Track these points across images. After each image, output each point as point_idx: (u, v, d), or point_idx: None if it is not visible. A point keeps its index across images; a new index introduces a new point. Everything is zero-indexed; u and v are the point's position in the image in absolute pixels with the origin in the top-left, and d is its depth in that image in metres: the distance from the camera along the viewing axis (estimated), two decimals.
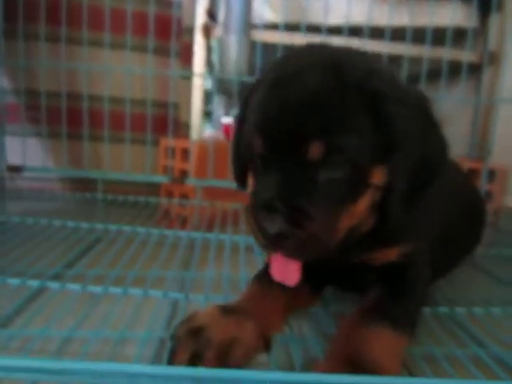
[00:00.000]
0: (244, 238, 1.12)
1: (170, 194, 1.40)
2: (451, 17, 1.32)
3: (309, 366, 0.58)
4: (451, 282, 0.94)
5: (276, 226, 0.47)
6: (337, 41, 1.40)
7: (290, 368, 0.60)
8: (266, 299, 0.60)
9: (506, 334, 0.72)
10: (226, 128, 1.82)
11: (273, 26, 1.36)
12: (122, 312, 0.72)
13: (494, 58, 1.53)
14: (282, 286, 0.59)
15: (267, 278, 0.61)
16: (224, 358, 0.49)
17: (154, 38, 1.39)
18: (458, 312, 0.79)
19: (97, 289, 0.78)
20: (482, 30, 1.56)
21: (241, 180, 0.66)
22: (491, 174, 1.43)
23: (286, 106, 0.49)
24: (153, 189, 1.48)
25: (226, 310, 0.56)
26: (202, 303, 0.75)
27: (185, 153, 1.34)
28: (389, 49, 1.28)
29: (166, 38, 1.49)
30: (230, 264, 0.95)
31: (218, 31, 1.44)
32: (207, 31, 1.41)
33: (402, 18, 1.35)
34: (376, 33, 1.32)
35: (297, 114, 0.49)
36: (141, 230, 1.14)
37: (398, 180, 0.51)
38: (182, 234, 1.14)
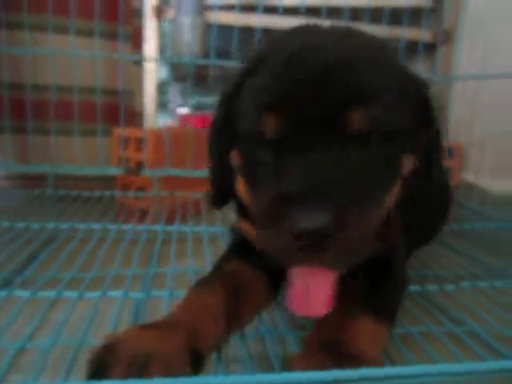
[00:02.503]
0: (206, 228, 1.07)
1: (125, 187, 1.33)
2: None
3: (285, 357, 0.55)
4: (420, 259, 0.94)
5: (322, 222, 0.36)
6: (293, 21, 1.37)
7: (267, 362, 0.56)
8: (199, 304, 0.51)
9: (479, 309, 0.71)
10: (184, 119, 1.75)
11: (228, 7, 1.30)
12: (80, 317, 0.66)
13: (449, 36, 1.55)
14: (224, 285, 0.54)
15: (211, 278, 0.57)
16: (137, 375, 0.39)
17: (101, 21, 1.30)
18: (430, 289, 0.79)
19: (49, 293, 0.71)
20: (437, 9, 1.57)
21: (222, 195, 0.59)
22: (449, 151, 1.46)
23: (313, 73, 0.41)
24: (106, 182, 1.40)
25: (149, 325, 0.47)
26: (166, 300, 0.70)
27: (139, 142, 1.27)
28: None
29: (113, 20, 1.40)
30: (193, 257, 0.90)
31: (170, 13, 1.36)
32: (159, 13, 1.33)
33: None
34: (333, 13, 1.29)
35: (327, 80, 0.41)
36: (96, 226, 1.07)
37: (433, 170, 0.48)
38: (141, 227, 1.08)
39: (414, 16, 1.37)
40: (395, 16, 1.30)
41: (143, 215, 1.25)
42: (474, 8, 1.40)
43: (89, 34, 1.40)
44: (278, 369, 0.52)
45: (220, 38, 1.18)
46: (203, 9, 1.26)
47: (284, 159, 0.42)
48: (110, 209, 1.29)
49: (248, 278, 0.58)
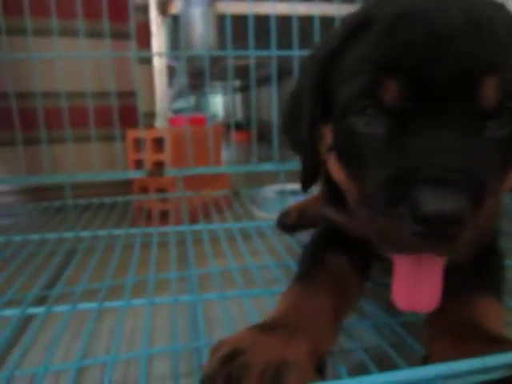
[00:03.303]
0: (235, 224, 1.03)
1: (144, 190, 1.27)
2: None
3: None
4: None
5: (456, 206, 0.32)
6: (308, 8, 1.33)
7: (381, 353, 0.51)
8: (314, 305, 0.48)
9: None
10: (175, 121, 1.70)
11: None
12: (132, 327, 0.61)
13: None
14: (330, 283, 0.51)
15: (314, 275, 0.53)
16: None
17: (107, 21, 1.25)
18: None
19: (91, 305, 0.65)
20: None
21: (312, 175, 0.54)
22: None
23: (437, 40, 0.36)
24: (118, 188, 1.34)
25: (266, 327, 0.43)
26: (219, 301, 0.65)
27: (157, 143, 1.22)
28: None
29: (119, 19, 1.35)
30: (232, 255, 0.85)
31: (175, 7, 1.31)
32: (164, 7, 1.28)
33: None
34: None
35: (456, 46, 0.36)
36: (118, 232, 1.01)
37: None
38: (168, 229, 1.02)
39: None
40: None
41: (164, 217, 1.20)
42: None
43: (94, 35, 1.35)
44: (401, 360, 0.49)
45: (234, 29, 1.13)
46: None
47: (405, 133, 0.37)
48: (127, 214, 1.23)
49: (346, 274, 0.55)
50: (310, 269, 0.54)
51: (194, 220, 1.12)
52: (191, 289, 0.71)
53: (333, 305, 0.49)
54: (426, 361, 0.41)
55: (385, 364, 0.50)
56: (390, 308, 0.63)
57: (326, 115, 0.46)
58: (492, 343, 0.38)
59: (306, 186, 0.55)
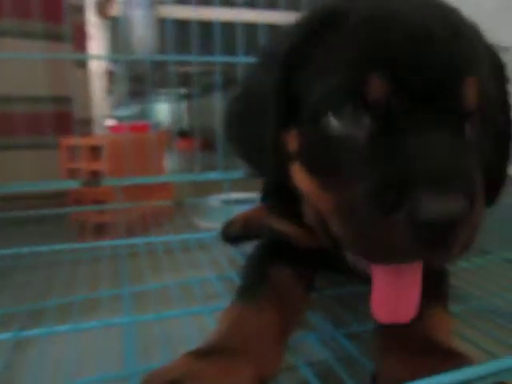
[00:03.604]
0: (176, 236, 0.97)
1: (79, 202, 1.18)
2: None
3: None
4: None
5: (458, 207, 0.30)
6: (252, 14, 1.32)
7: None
8: (258, 323, 0.44)
9: None
10: (115, 130, 1.62)
11: (183, 1, 1.21)
12: (58, 355, 0.54)
13: None
14: (275, 298, 0.47)
15: (259, 289, 0.49)
16: None
17: (39, 21, 1.17)
18: None
19: (6, 335, 0.58)
20: None
21: (277, 183, 0.48)
22: None
23: (419, 39, 0.35)
24: (52, 200, 1.24)
25: (204, 353, 0.38)
26: (158, 323, 0.60)
27: (93, 151, 1.14)
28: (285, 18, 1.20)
29: (52, 19, 1.26)
30: (171, 269, 0.79)
31: (115, 9, 1.25)
32: (103, 9, 1.21)
33: None
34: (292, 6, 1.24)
35: (437, 47, 0.34)
36: (45, 248, 0.90)
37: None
38: (101, 244, 0.95)
39: None
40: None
41: (101, 231, 1.12)
42: None
43: (25, 35, 1.26)
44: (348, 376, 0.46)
45: (177, 33, 1.09)
46: (155, 2, 1.17)
47: (391, 134, 0.34)
48: (59, 228, 1.14)
49: (291, 286, 0.51)
50: (254, 283, 0.51)
51: (133, 233, 1.05)
52: (125, 309, 0.65)
53: (279, 321, 0.45)
54: (375, 379, 0.39)
55: (330, 380, 0.47)
56: (335, 320, 0.60)
57: (288, 119, 0.41)
58: (443, 357, 0.36)
59: (268, 195, 0.51)
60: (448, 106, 0.35)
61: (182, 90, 3.78)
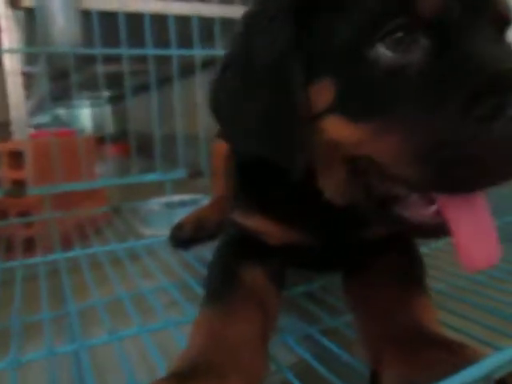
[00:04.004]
0: (119, 245, 0.89)
1: (2, 215, 1.05)
2: None
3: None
4: None
5: None
6: (184, 7, 1.25)
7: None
8: (237, 333, 0.40)
9: None
10: (36, 135, 1.48)
11: None
12: None
13: None
14: (250, 303, 0.43)
15: (225, 292, 0.44)
16: None
17: None
18: None
19: None
20: None
21: (298, 151, 0.38)
22: None
23: None
24: None
25: (185, 375, 0.34)
26: (114, 345, 0.53)
27: (14, 158, 1.02)
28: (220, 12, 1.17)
29: None
30: (120, 281, 0.72)
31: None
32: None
33: None
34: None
35: None
36: None
37: None
38: (34, 260, 0.84)
39: None
40: None
41: (30, 246, 1.00)
42: None
43: None
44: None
45: (102, 28, 1.00)
46: None
47: (451, 50, 0.32)
48: None
49: (263, 288, 0.48)
50: (223, 287, 0.46)
51: (67, 245, 0.95)
52: (73, 331, 0.57)
53: (258, 327, 0.41)
54: (373, 378, 0.36)
55: (312, 379, 0.44)
56: (308, 317, 0.58)
57: (312, 73, 0.36)
58: (447, 351, 0.34)
59: (240, 190, 0.45)
60: (495, 13, 0.34)
61: (107, 93, 3.59)
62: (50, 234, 0.96)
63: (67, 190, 0.97)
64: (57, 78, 1.14)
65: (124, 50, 1.01)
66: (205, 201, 1.30)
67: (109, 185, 1.09)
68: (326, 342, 0.50)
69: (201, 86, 1.12)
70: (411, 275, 0.46)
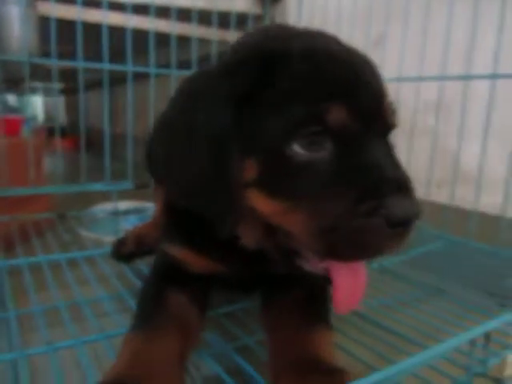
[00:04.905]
0: (62, 255, 0.93)
1: None
2: (235, 3, 1.32)
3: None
4: None
5: (416, 208, 0.40)
6: (141, 20, 1.29)
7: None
8: (158, 352, 0.47)
9: None
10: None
11: (68, 0, 1.14)
12: None
13: None
14: (173, 326, 0.51)
15: (152, 315, 0.52)
16: None
17: None
18: None
19: None
20: (262, 17, 1.64)
21: (230, 213, 0.46)
22: None
23: (357, 73, 0.44)
24: None
25: None
26: (51, 354, 0.57)
27: None
28: (177, 29, 1.21)
29: None
30: (58, 287, 0.76)
31: None
32: None
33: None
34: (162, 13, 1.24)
35: (373, 81, 0.45)
36: None
37: None
38: None
39: (241, 20, 1.39)
40: (223, 19, 1.31)
41: None
42: (298, 19, 1.50)
43: None
44: None
45: (62, 36, 1.03)
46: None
47: (351, 153, 0.42)
48: None
49: (187, 312, 0.55)
50: (151, 311, 0.53)
51: (9, 247, 0.97)
52: (10, 338, 0.61)
53: (178, 347, 0.48)
54: None
55: None
56: (226, 335, 0.65)
57: (243, 152, 0.44)
58: (325, 375, 0.43)
59: (228, 229, 0.48)
60: (383, 123, 0.45)
61: (60, 85, 3.50)
62: None
63: (12, 194, 1.00)
64: (9, 80, 1.15)
65: (80, 63, 1.05)
66: (150, 210, 1.35)
67: (55, 192, 1.12)
68: (238, 359, 0.57)
69: (154, 90, 1.16)
70: (314, 310, 0.55)
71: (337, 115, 0.41)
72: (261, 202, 0.44)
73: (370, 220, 0.39)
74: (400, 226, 0.39)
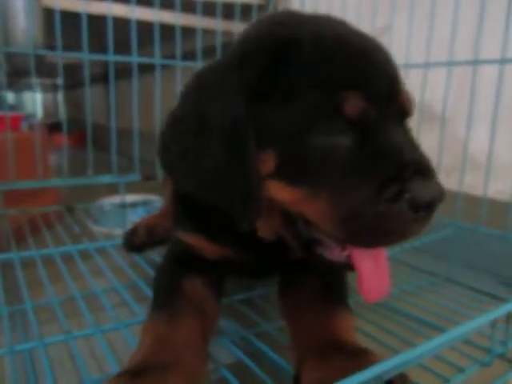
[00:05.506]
0: (74, 247, 0.92)
1: None
2: None
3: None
4: None
5: (440, 189, 0.40)
6: (146, 12, 1.28)
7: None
8: (180, 336, 0.46)
9: None
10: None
11: None
12: None
13: None
14: (192, 309, 0.51)
15: (170, 300, 0.51)
16: None
17: None
18: None
19: None
20: (265, 7, 1.64)
21: (252, 207, 0.45)
22: None
23: (371, 59, 0.44)
24: None
25: (136, 372, 0.40)
26: (69, 342, 0.58)
27: None
28: (182, 20, 1.21)
29: None
30: (72, 278, 0.76)
31: None
32: None
33: None
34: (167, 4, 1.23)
35: (387, 66, 0.45)
36: None
37: None
38: None
39: (245, 11, 1.39)
40: (227, 10, 1.30)
41: None
42: (301, 9, 1.50)
43: None
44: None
45: (65, 29, 1.02)
46: None
47: (371, 140, 0.41)
48: None
49: (204, 296, 0.55)
50: (167, 297, 0.53)
51: (21, 240, 0.97)
52: (26, 329, 0.61)
53: (199, 331, 0.48)
54: (296, 381, 0.45)
55: (248, 378, 0.52)
56: (244, 321, 0.65)
57: (265, 139, 0.43)
58: (351, 356, 0.43)
59: (249, 223, 0.47)
60: (399, 108, 0.44)
61: (59, 80, 3.49)
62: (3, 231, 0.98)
63: (20, 187, 0.99)
64: (12, 73, 1.14)
65: (85, 55, 1.04)
66: (157, 202, 1.35)
67: (63, 185, 1.12)
68: (259, 344, 0.58)
69: (159, 84, 1.15)
70: (333, 293, 0.55)
71: (354, 103, 0.41)
72: (281, 192, 0.44)
73: (394, 205, 0.39)
74: (425, 210, 0.39)
